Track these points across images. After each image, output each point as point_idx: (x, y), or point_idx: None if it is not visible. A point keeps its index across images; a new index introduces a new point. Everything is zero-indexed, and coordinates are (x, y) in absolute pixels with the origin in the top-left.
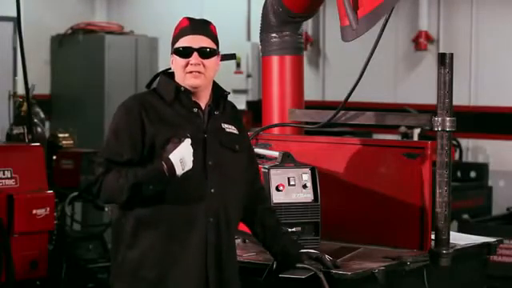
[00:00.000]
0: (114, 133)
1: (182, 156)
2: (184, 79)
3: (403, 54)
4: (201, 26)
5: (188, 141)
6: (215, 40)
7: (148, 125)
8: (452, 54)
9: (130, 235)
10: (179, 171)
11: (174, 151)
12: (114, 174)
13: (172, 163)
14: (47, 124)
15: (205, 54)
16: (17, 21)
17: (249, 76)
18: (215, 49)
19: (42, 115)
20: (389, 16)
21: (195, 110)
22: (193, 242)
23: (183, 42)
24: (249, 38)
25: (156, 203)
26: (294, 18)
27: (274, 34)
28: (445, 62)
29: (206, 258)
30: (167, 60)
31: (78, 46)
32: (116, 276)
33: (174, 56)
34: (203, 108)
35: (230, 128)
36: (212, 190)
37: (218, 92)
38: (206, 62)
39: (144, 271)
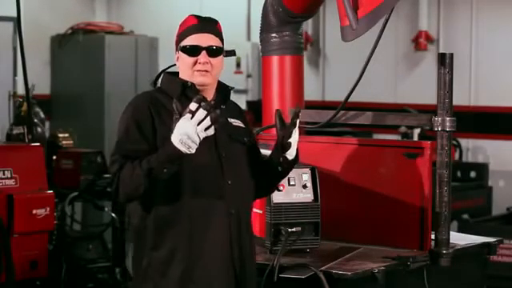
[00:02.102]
0: (125, 130)
1: (181, 137)
2: (192, 77)
3: (403, 54)
4: (208, 25)
5: (184, 118)
6: (221, 38)
7: (158, 121)
8: (452, 54)
9: (153, 236)
10: (185, 150)
11: (174, 133)
12: (129, 167)
13: (174, 145)
14: (47, 124)
15: (213, 52)
16: (17, 21)
17: (249, 76)
18: (222, 47)
19: (42, 115)
20: (389, 16)
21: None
22: (217, 234)
23: (191, 40)
24: (249, 38)
25: (175, 197)
26: (294, 18)
27: (274, 34)
28: (445, 62)
29: (232, 249)
30: (167, 60)
31: (78, 46)
32: (142, 279)
33: (181, 54)
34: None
35: (237, 122)
36: (229, 182)
37: (222, 87)
38: (213, 60)
39: (171, 269)
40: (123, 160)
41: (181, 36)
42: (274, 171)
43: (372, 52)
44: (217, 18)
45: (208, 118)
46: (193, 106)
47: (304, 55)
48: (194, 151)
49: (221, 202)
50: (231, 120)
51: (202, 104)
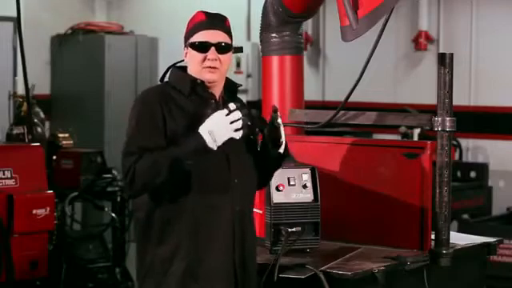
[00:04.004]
0: (137, 124)
1: (211, 128)
2: (200, 73)
3: (403, 54)
4: (217, 21)
5: (220, 112)
6: (230, 35)
7: (168, 115)
8: (452, 54)
9: (158, 233)
10: (211, 144)
11: (204, 123)
12: (147, 157)
13: (201, 136)
14: (47, 124)
15: (222, 49)
16: (17, 21)
17: (249, 76)
18: (230, 44)
19: (42, 115)
20: (389, 16)
21: (212, 101)
22: (220, 231)
23: (200, 37)
24: (249, 38)
25: (185, 190)
26: (294, 18)
27: (274, 34)
28: (445, 62)
29: (234, 247)
30: (167, 60)
31: (78, 46)
32: (145, 276)
33: (189, 50)
34: (218, 99)
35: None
36: (236, 180)
37: (230, 84)
38: (222, 56)
39: (174, 266)
40: (140, 152)
41: (190, 32)
42: (270, 162)
43: (372, 52)
44: None
45: (241, 121)
46: (232, 105)
47: (304, 55)
48: (215, 147)
49: (227, 201)
50: None
51: (242, 109)
